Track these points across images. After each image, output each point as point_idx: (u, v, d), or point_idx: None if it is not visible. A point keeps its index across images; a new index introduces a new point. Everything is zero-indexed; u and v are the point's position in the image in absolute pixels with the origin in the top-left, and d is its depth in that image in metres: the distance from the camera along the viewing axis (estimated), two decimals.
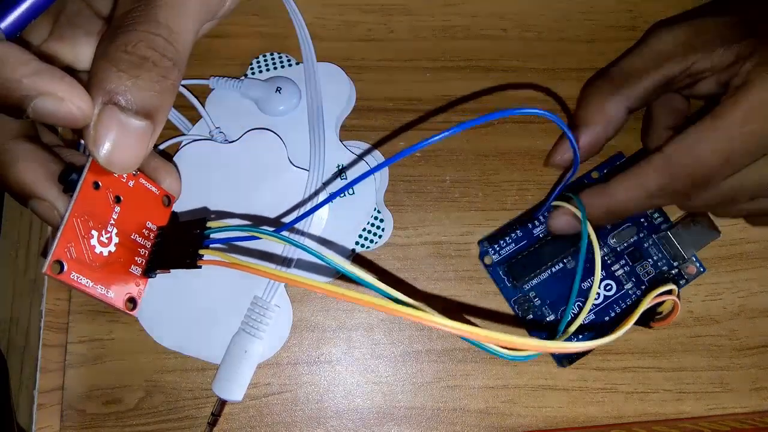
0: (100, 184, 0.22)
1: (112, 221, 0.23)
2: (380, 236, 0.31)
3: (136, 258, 0.24)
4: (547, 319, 0.30)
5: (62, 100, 0.18)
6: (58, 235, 0.21)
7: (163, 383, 0.30)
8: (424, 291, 0.31)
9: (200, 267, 0.23)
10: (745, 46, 0.27)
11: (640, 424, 0.30)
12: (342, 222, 0.31)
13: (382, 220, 0.31)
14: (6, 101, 0.18)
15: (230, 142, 0.31)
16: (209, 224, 0.24)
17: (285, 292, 0.30)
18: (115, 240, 0.23)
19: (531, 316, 0.30)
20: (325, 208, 0.31)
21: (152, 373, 0.30)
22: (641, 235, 0.31)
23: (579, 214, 0.28)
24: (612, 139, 0.30)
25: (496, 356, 0.22)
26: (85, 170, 0.22)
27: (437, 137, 0.20)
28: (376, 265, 0.31)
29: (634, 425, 0.30)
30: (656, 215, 0.32)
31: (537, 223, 0.32)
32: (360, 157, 0.32)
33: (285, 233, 0.23)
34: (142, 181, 0.25)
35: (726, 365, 0.31)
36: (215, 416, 0.29)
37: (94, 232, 0.22)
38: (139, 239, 0.24)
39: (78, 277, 0.21)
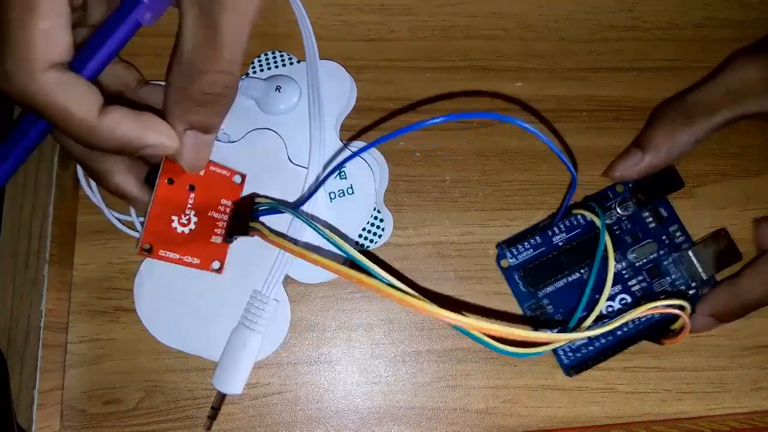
0: (173, 180, 0.27)
1: (189, 205, 0.28)
2: (380, 236, 0.31)
3: (216, 230, 0.29)
4: (558, 327, 0.30)
5: (165, 145, 0.24)
6: (145, 224, 0.27)
7: (163, 383, 0.30)
8: (424, 291, 0.31)
9: (253, 236, 0.27)
10: None
11: (640, 424, 0.30)
12: (342, 222, 0.31)
13: (382, 220, 0.31)
14: (123, 151, 0.24)
15: (232, 142, 0.32)
16: (258, 200, 0.28)
17: (283, 288, 0.30)
18: (194, 219, 0.28)
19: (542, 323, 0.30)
20: (324, 208, 0.31)
21: (152, 373, 0.30)
22: (661, 252, 0.31)
23: (599, 223, 0.28)
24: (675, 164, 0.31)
25: (498, 353, 0.23)
26: (159, 172, 0.27)
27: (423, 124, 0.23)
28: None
29: (634, 425, 0.30)
30: (678, 234, 0.32)
31: (557, 230, 0.32)
32: (360, 157, 0.32)
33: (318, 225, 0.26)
34: (213, 168, 0.29)
35: (726, 365, 0.31)
36: (215, 410, 0.29)
37: (174, 217, 0.27)
38: (216, 215, 0.29)
39: (165, 253, 0.27)
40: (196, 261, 0.28)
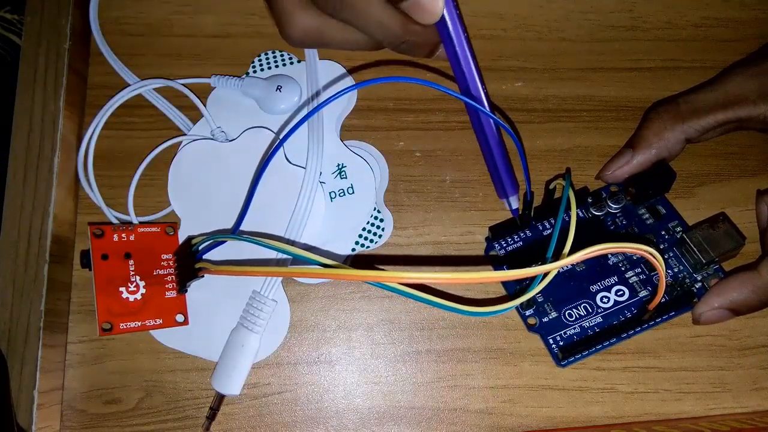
0: (107, 254, 0.28)
1: (132, 273, 0.28)
2: (380, 236, 0.31)
3: (167, 285, 0.29)
4: (550, 316, 0.30)
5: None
6: (95, 305, 0.27)
7: (163, 383, 0.30)
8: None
9: (203, 276, 0.28)
10: None
11: (640, 424, 0.30)
12: (342, 222, 0.31)
13: (382, 220, 0.31)
14: None
15: (229, 141, 0.32)
16: (194, 241, 0.28)
17: (282, 289, 0.30)
18: (142, 284, 0.28)
19: (531, 311, 0.30)
20: (322, 207, 0.31)
21: (152, 373, 0.30)
22: (661, 246, 0.31)
23: (571, 195, 0.28)
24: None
25: (460, 314, 0.24)
26: (90, 250, 0.28)
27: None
28: (376, 265, 0.31)
29: (634, 425, 0.30)
30: (678, 229, 0.32)
31: (547, 224, 0.32)
32: (360, 157, 0.32)
33: (270, 238, 0.27)
34: (140, 229, 0.29)
35: (726, 365, 0.31)
36: (213, 410, 0.29)
37: (122, 288, 0.28)
38: (161, 271, 0.29)
39: (127, 325, 0.28)
40: (159, 321, 0.29)
